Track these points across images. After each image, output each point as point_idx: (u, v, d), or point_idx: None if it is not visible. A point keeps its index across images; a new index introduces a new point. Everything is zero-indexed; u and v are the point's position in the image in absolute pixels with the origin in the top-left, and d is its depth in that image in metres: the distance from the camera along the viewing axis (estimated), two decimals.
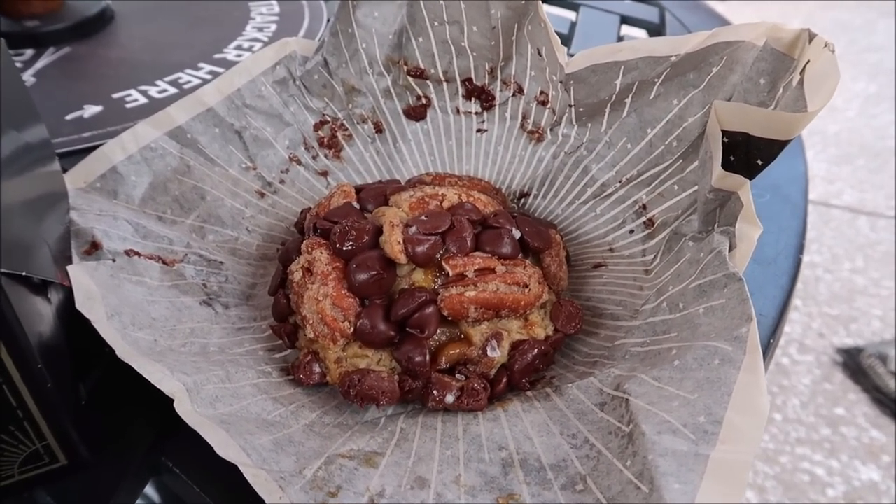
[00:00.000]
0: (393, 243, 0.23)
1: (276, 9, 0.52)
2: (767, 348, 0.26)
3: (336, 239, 0.24)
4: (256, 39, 0.47)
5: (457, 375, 0.23)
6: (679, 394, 0.19)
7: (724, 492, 0.16)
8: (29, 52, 0.45)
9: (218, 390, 0.21)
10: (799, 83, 0.20)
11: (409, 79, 0.33)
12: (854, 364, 1.17)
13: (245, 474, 0.17)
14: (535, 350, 0.23)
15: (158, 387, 0.19)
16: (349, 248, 0.24)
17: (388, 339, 0.23)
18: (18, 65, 0.43)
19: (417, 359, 0.22)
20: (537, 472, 0.19)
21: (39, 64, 0.44)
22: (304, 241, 0.25)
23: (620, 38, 0.51)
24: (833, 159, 1.73)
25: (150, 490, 0.22)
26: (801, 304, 1.33)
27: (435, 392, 0.22)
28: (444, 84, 0.33)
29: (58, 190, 0.25)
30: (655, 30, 0.53)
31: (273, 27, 0.49)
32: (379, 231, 0.24)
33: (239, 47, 0.46)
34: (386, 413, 0.23)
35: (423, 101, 0.34)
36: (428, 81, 0.33)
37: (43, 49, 0.45)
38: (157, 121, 0.29)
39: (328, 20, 0.48)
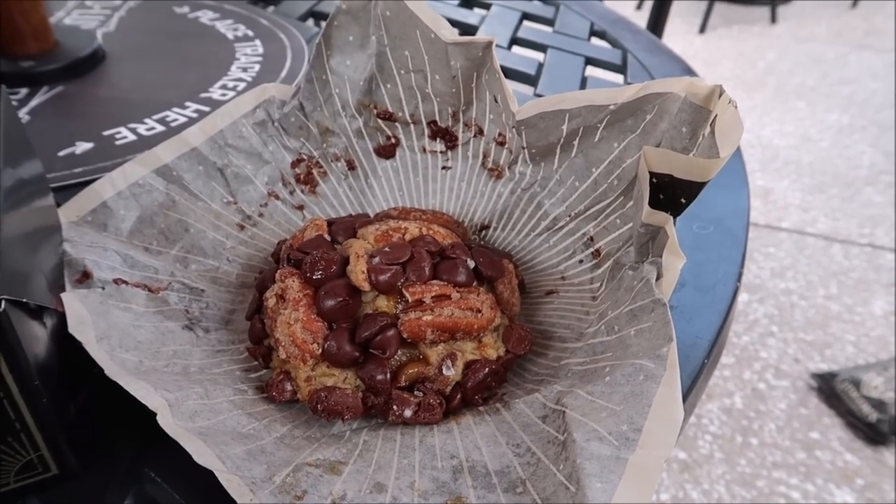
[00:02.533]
0: (358, 272, 0.25)
1: (261, 49, 0.54)
2: (702, 368, 0.28)
3: (307, 268, 0.26)
4: (241, 79, 0.49)
5: (415, 392, 0.24)
6: (608, 406, 0.20)
7: (638, 489, 0.18)
8: (24, 91, 0.46)
9: (197, 406, 0.22)
10: (710, 133, 0.23)
11: (379, 121, 0.35)
12: (828, 389, 1.19)
13: (220, 479, 0.19)
14: (487, 369, 0.25)
15: (143, 402, 0.20)
16: (318, 276, 0.25)
17: (352, 360, 0.24)
18: (14, 103, 0.44)
19: (379, 377, 0.24)
20: (483, 477, 0.21)
21: (34, 102, 0.45)
22: (278, 271, 0.27)
23: (585, 79, 0.53)
24: (808, 189, 1.77)
25: (133, 498, 0.22)
26: (778, 331, 1.35)
27: (395, 407, 0.24)
28: (412, 126, 0.35)
29: (52, 223, 0.27)
30: (618, 70, 0.56)
31: (257, 67, 0.51)
32: (346, 261, 0.26)
33: (224, 87, 0.48)
34: (351, 427, 0.25)
35: (393, 140, 0.36)
36: (396, 123, 0.35)
37: (37, 88, 0.47)
38: (145, 160, 0.31)
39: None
